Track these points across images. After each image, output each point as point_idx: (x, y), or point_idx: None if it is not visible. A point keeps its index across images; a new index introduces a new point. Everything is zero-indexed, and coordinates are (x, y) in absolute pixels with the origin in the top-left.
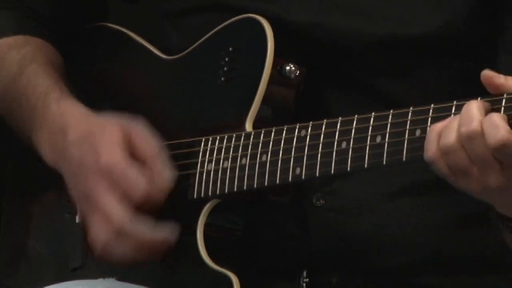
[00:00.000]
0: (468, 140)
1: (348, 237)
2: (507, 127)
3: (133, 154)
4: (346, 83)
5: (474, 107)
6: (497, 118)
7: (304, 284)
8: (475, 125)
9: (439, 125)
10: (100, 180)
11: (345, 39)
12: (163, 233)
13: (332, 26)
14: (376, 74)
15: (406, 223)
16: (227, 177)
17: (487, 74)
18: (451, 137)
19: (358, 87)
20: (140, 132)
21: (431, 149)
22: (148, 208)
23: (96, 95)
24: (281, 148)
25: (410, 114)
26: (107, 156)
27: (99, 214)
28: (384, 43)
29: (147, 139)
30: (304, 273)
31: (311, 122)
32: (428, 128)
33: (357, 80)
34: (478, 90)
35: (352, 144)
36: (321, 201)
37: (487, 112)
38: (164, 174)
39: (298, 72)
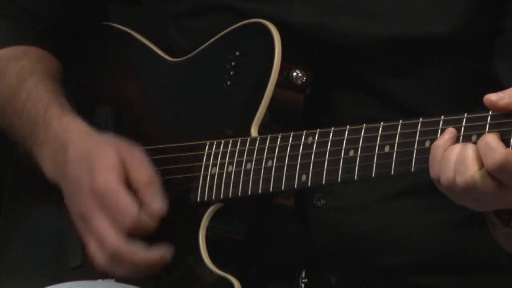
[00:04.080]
0: (468, 188)
1: (348, 237)
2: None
3: (128, 180)
4: (350, 84)
5: (470, 153)
6: (491, 139)
7: (303, 284)
8: (469, 174)
9: (440, 145)
10: (94, 203)
11: (347, 39)
12: (158, 252)
13: (335, 27)
14: (381, 74)
15: (407, 224)
16: (231, 181)
17: (489, 100)
18: (449, 174)
19: (363, 88)
20: (136, 158)
21: (435, 167)
22: (140, 234)
23: (100, 95)
24: (287, 155)
25: (419, 125)
26: (101, 180)
27: (94, 237)
28: (388, 43)
29: (141, 167)
30: (303, 273)
31: (318, 130)
32: None
33: (361, 80)
34: (482, 90)
35: (360, 153)
36: (322, 201)
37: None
38: (155, 203)
39: (304, 78)
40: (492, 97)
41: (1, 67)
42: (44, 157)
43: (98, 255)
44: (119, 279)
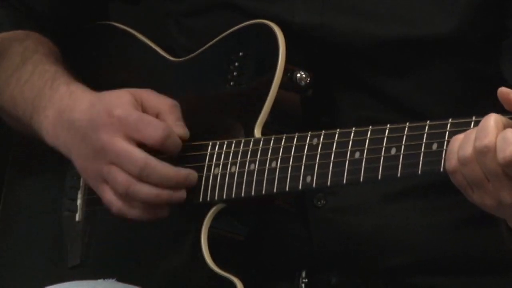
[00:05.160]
0: (481, 154)
1: (348, 237)
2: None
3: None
4: (351, 84)
5: (491, 121)
6: (510, 134)
7: (303, 285)
8: (488, 140)
9: (460, 136)
10: (115, 132)
11: (348, 39)
12: (186, 170)
13: (335, 27)
14: (381, 74)
15: (407, 224)
16: (235, 182)
17: (504, 91)
18: (468, 149)
19: (363, 88)
20: (151, 93)
21: (452, 159)
22: (166, 154)
23: None
24: (292, 156)
25: (427, 127)
26: (120, 109)
27: (120, 160)
28: (388, 43)
29: (159, 97)
30: (303, 273)
31: (323, 131)
32: (445, 142)
33: (362, 81)
34: (483, 90)
35: (366, 155)
36: (322, 202)
37: (506, 127)
38: (179, 127)
39: (308, 80)
40: (507, 89)
41: (4, 46)
42: (47, 119)
43: (123, 176)
44: (144, 201)
